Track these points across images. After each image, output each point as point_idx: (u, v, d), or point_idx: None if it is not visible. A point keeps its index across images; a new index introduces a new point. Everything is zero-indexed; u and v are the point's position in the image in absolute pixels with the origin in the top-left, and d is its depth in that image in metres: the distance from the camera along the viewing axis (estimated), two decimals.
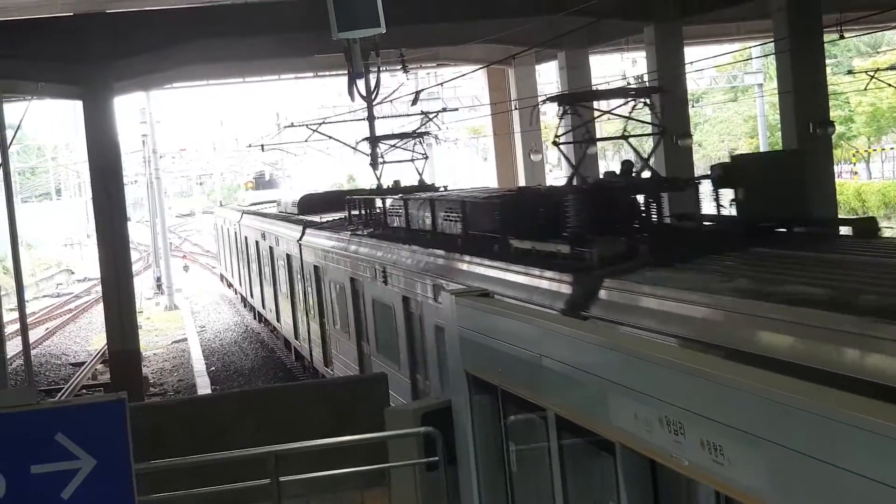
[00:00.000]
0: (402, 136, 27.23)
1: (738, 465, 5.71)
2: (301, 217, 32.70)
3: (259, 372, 35.31)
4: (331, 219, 28.15)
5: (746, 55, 61.77)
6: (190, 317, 50.68)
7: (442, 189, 25.00)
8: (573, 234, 12.44)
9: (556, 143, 15.05)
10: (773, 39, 30.03)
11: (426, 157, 27.36)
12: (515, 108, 40.91)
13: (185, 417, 13.24)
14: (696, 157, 40.10)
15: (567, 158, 17.13)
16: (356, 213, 25.06)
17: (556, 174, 69.20)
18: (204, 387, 31.87)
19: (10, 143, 23.17)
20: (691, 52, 38.57)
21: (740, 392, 5.68)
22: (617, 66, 74.79)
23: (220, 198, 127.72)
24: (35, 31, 27.40)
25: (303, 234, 28.69)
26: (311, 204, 34.85)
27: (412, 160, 26.41)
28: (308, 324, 29.42)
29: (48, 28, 27.79)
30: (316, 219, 29.82)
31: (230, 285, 58.16)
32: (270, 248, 36.12)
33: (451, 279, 15.00)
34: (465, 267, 15.14)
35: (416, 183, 25.67)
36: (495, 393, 9.45)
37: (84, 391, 33.12)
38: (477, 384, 9.74)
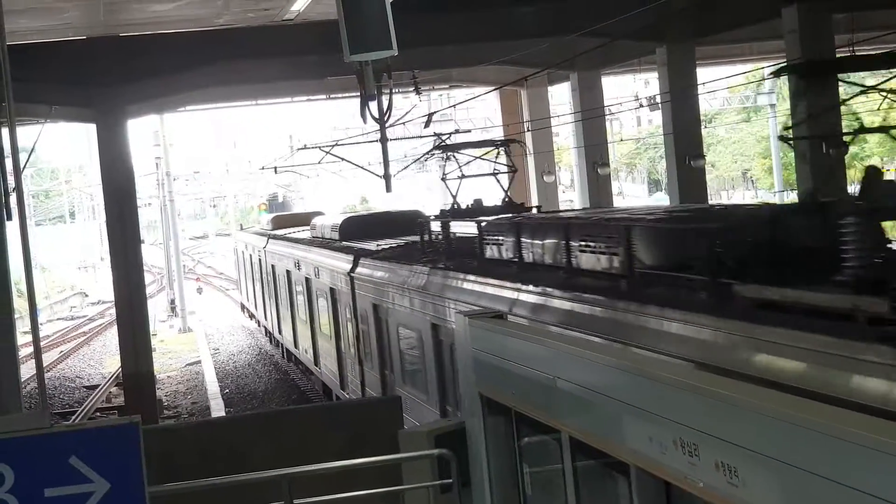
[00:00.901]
0: (484, 143, 24.41)
1: (752, 486, 5.69)
2: (347, 244, 27.88)
3: (273, 394, 35.29)
4: (388, 246, 23.84)
5: (759, 76, 61.79)
6: (204, 339, 50.70)
7: (535, 210, 20.55)
8: (870, 280, 7.45)
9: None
10: (785, 60, 30.00)
11: (514, 171, 22.94)
12: (528, 130, 40.91)
13: (199, 440, 13.22)
14: (708, 178, 40.08)
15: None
16: (432, 238, 20.29)
17: (569, 195, 69.22)
18: (218, 409, 31.86)
19: (24, 167, 23.17)
20: (704, 73, 38.58)
21: (754, 414, 5.66)
22: (630, 87, 74.88)
23: (238, 220, 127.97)
24: (49, 54, 27.50)
25: (355, 264, 23.94)
26: (357, 228, 30.14)
27: (494, 174, 22.74)
28: (362, 374, 24.29)
29: (62, 51, 27.89)
30: (369, 246, 25.06)
31: (252, 316, 53.56)
32: (307, 279, 31.15)
33: (637, 342, 9.36)
34: (657, 325, 9.32)
35: (499, 202, 21.85)
36: (509, 415, 9.44)
37: (98, 414, 33.14)
38: (491, 406, 9.73)
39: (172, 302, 60.13)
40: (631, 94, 58.08)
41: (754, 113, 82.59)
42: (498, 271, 14.71)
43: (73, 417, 31.60)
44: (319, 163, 40.08)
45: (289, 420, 14.10)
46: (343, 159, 37.57)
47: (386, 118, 19.02)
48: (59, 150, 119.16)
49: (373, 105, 11.70)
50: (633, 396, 7.02)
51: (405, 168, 33.49)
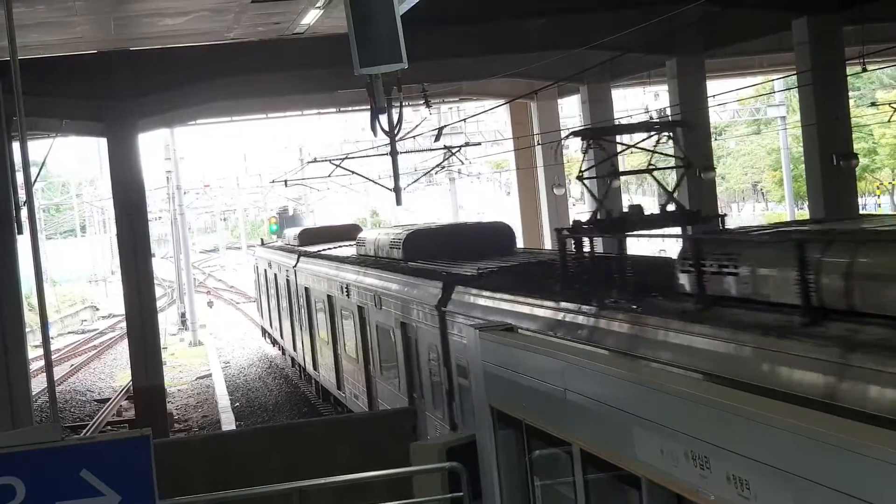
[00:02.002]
0: (640, 126, 16.47)
1: (764, 499, 5.68)
2: (418, 265, 21.83)
3: (283, 407, 35.27)
4: (489, 269, 18.28)
5: (769, 88, 61.80)
6: (214, 352, 50.71)
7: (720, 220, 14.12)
8: None
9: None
10: (795, 72, 29.99)
11: (686, 165, 15.21)
12: (538, 144, 40.94)
13: (210, 453, 13.23)
14: (719, 190, 40.05)
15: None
16: (571, 260, 13.47)
17: (580, 208, 69.22)
18: (228, 422, 31.85)
19: (35, 180, 23.27)
20: (714, 86, 38.59)
21: (766, 426, 5.65)
22: (639, 100, 74.87)
23: (248, 233, 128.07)
24: (59, 68, 27.55)
25: (446, 294, 17.70)
26: (427, 245, 23.70)
27: (653, 169, 15.18)
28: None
29: (72, 66, 27.94)
30: (466, 270, 18.65)
31: (275, 342, 47.55)
32: (360, 308, 24.78)
33: None
34: None
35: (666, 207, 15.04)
36: (520, 427, 9.43)
37: (109, 427, 33.16)
38: (502, 419, 9.72)
39: (183, 315, 60.18)
40: (641, 106, 58.11)
41: (764, 125, 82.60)
42: (768, 325, 8.20)
43: (84, 431, 31.63)
44: (329, 176, 40.10)
45: (299, 433, 14.10)
46: (353, 172, 37.64)
47: (396, 131, 19.05)
48: (70, 163, 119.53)
49: (383, 118, 11.72)
50: (644, 409, 7.01)
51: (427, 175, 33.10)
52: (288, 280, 37.79)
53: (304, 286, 33.52)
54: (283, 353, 44.39)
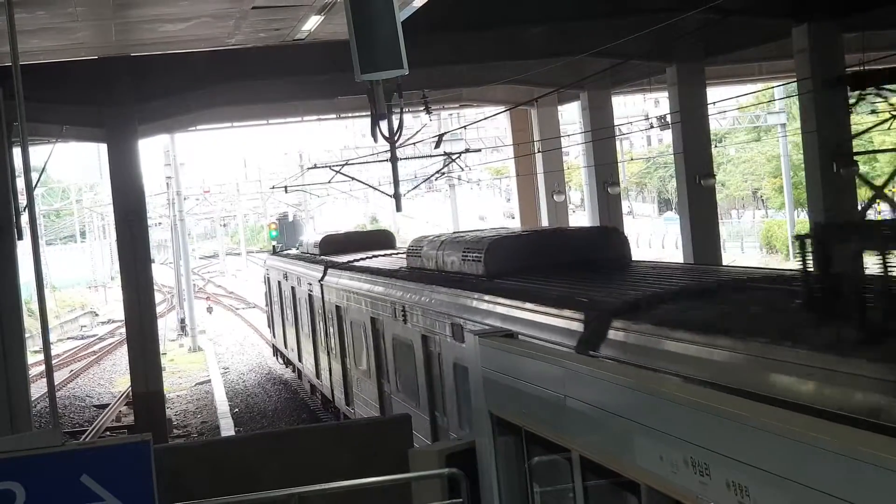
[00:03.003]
0: None
1: None
2: (517, 284, 15.89)
3: (282, 413, 35.28)
4: (646, 294, 12.19)
5: (769, 95, 61.88)
6: (213, 358, 50.70)
7: None
8: None
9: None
10: (795, 79, 30.02)
11: None
12: (539, 151, 40.96)
13: (209, 459, 13.23)
14: (719, 197, 40.09)
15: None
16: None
17: (579, 215, 69.27)
18: (227, 428, 31.85)
19: (35, 186, 23.26)
20: (714, 93, 38.61)
21: (765, 433, 5.65)
22: (639, 106, 74.93)
23: (248, 239, 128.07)
24: (60, 74, 27.55)
25: (594, 339, 11.15)
26: (513, 255, 17.76)
27: None
28: None
29: (73, 71, 27.93)
30: (609, 297, 12.63)
31: (288, 363, 42.52)
32: (425, 338, 18.85)
33: None
34: None
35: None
36: (520, 434, 9.43)
37: (108, 433, 33.15)
38: (501, 425, 9.72)
39: (182, 321, 60.18)
40: (641, 112, 58.15)
41: (764, 132, 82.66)
42: None
43: (84, 436, 31.61)
44: (329, 182, 40.12)
45: (298, 439, 14.09)
46: (353, 178, 37.67)
47: (396, 137, 19.07)
48: (70, 169, 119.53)
49: (383, 124, 11.73)
50: (644, 415, 7.02)
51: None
52: (311, 295, 31.57)
53: (335, 304, 27.46)
54: (300, 377, 38.52)
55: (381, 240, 35.15)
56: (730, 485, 5.93)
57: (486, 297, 15.55)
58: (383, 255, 28.75)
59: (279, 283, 40.48)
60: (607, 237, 18.86)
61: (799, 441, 5.36)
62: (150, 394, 30.58)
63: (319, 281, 29.82)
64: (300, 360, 36.48)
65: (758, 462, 5.68)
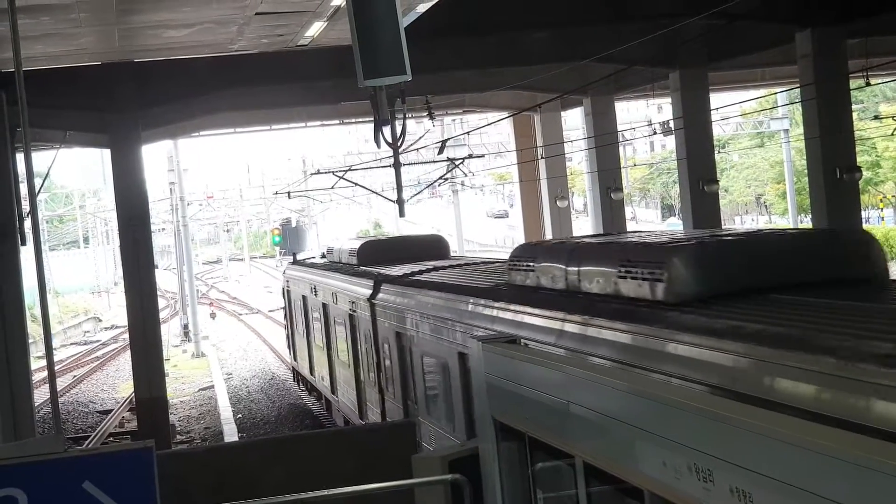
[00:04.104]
0: None
1: None
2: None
3: (286, 419, 35.25)
4: None
5: (772, 101, 61.88)
6: (216, 364, 50.70)
7: None
8: None
9: None
10: (798, 85, 30.01)
11: None
12: (542, 157, 40.99)
13: (212, 465, 13.22)
14: (722, 203, 40.09)
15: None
16: None
17: (582, 221, 69.30)
18: (231, 434, 31.83)
19: (39, 192, 23.36)
20: (717, 98, 38.63)
21: (769, 439, 5.64)
22: (642, 112, 74.96)
23: (251, 245, 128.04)
24: (63, 80, 27.59)
25: None
26: (722, 271, 10.55)
27: None
28: None
29: (76, 77, 27.98)
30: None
31: (311, 389, 37.53)
32: None
33: None
34: None
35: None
36: (523, 439, 9.42)
37: (111, 439, 33.16)
38: (504, 430, 9.71)
39: (186, 327, 60.19)
40: (644, 118, 58.18)
41: (768, 138, 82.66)
42: None
43: (87, 442, 31.61)
44: (333, 188, 40.07)
45: (301, 445, 14.09)
46: (356, 184, 37.68)
47: (399, 143, 19.10)
48: (74, 174, 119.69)
49: (386, 130, 11.73)
50: (647, 421, 7.00)
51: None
52: (354, 317, 25.69)
53: (394, 330, 21.30)
54: (329, 411, 33.35)
55: (434, 247, 28.95)
56: (733, 491, 5.92)
57: (696, 341, 8.72)
58: (452, 267, 23.09)
59: (304, 297, 34.74)
60: (863, 245, 11.31)
61: (803, 447, 5.35)
62: (154, 399, 30.57)
63: (369, 300, 23.45)
64: (334, 392, 30.62)
65: (761, 468, 5.67)
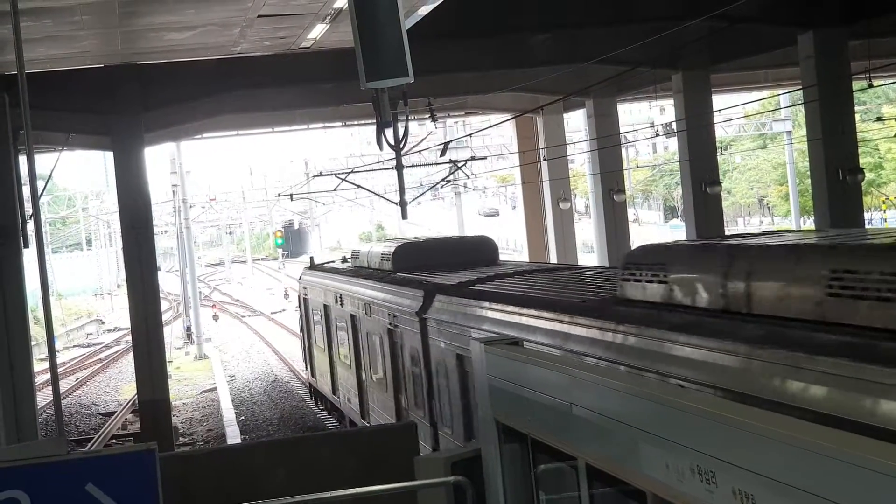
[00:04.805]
0: None
1: None
2: None
3: (288, 421, 35.26)
4: None
5: (775, 102, 61.87)
6: (219, 366, 50.73)
7: None
8: None
9: None
10: (801, 87, 30.01)
11: None
12: (544, 159, 40.98)
13: (215, 467, 13.22)
14: (725, 205, 40.07)
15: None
16: None
17: (584, 222, 69.29)
18: (233, 436, 31.86)
19: (41, 194, 23.34)
20: (719, 100, 38.62)
21: (773, 441, 5.64)
22: (644, 114, 74.93)
23: (253, 247, 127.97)
24: (66, 82, 27.61)
25: None
26: None
27: None
28: None
29: (79, 80, 28.00)
30: None
31: (330, 409, 34.49)
32: None
33: None
34: None
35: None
36: (525, 441, 9.42)
37: (114, 441, 33.18)
38: (507, 432, 9.71)
39: (188, 329, 60.23)
40: (647, 120, 58.17)
41: (770, 140, 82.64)
42: None
43: (89, 445, 31.64)
44: (335, 190, 40.03)
45: (303, 447, 14.08)
46: (359, 186, 37.68)
47: (402, 145, 19.08)
48: (76, 176, 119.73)
49: (389, 132, 11.73)
50: (650, 423, 7.00)
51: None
52: (396, 333, 22.14)
53: (454, 352, 17.80)
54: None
55: (481, 251, 25.57)
56: (736, 493, 5.92)
57: None
58: (520, 275, 19.57)
59: (326, 307, 30.99)
60: None
61: (807, 449, 5.35)
62: (156, 402, 30.59)
63: (418, 313, 19.77)
64: (364, 417, 27.11)
65: (765, 470, 5.67)
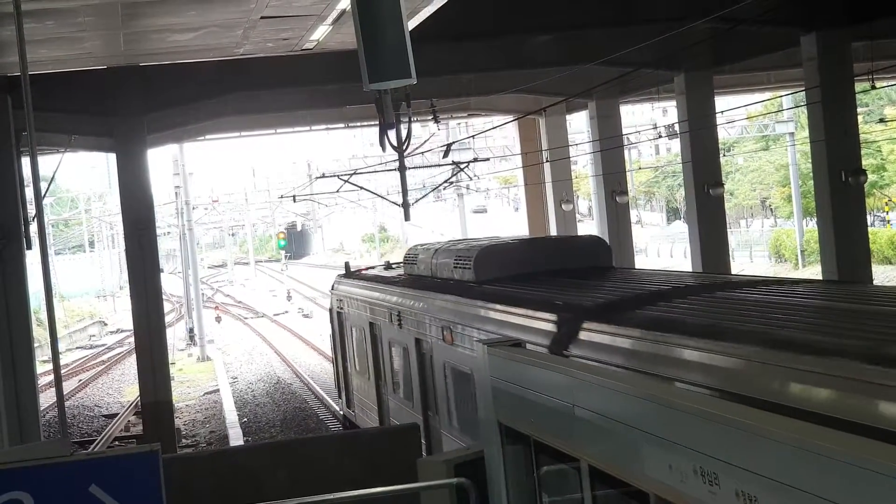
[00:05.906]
0: None
1: None
2: None
3: (291, 423, 35.25)
4: None
5: (777, 104, 61.85)
6: (222, 368, 50.71)
7: None
8: None
9: None
10: (804, 88, 30.00)
11: None
12: (547, 161, 40.96)
13: (218, 468, 13.22)
14: (727, 206, 40.06)
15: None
16: None
17: (587, 224, 69.28)
18: (236, 438, 31.84)
19: (44, 195, 23.36)
20: (722, 102, 38.59)
21: (775, 442, 5.64)
22: (647, 115, 74.90)
23: (256, 248, 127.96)
24: (69, 84, 27.60)
25: None
26: None
27: None
28: None
29: (82, 81, 27.99)
30: None
31: None
32: None
33: None
34: None
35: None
36: (528, 443, 9.41)
37: (117, 443, 33.18)
38: (509, 434, 9.70)
39: (191, 331, 60.21)
40: (649, 121, 58.15)
41: (773, 141, 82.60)
42: None
43: (92, 446, 31.63)
44: (338, 191, 40.01)
45: (306, 448, 14.08)
46: (361, 188, 37.67)
47: (405, 146, 19.08)
48: (79, 178, 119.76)
49: (391, 133, 11.73)
50: (653, 424, 7.00)
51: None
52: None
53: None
54: None
55: (593, 256, 19.38)
56: (739, 494, 5.92)
57: None
58: (699, 290, 13.01)
59: (374, 326, 24.23)
60: None
61: (809, 451, 5.35)
62: (159, 403, 30.58)
63: (553, 349, 12.38)
64: None
65: (767, 471, 5.67)
